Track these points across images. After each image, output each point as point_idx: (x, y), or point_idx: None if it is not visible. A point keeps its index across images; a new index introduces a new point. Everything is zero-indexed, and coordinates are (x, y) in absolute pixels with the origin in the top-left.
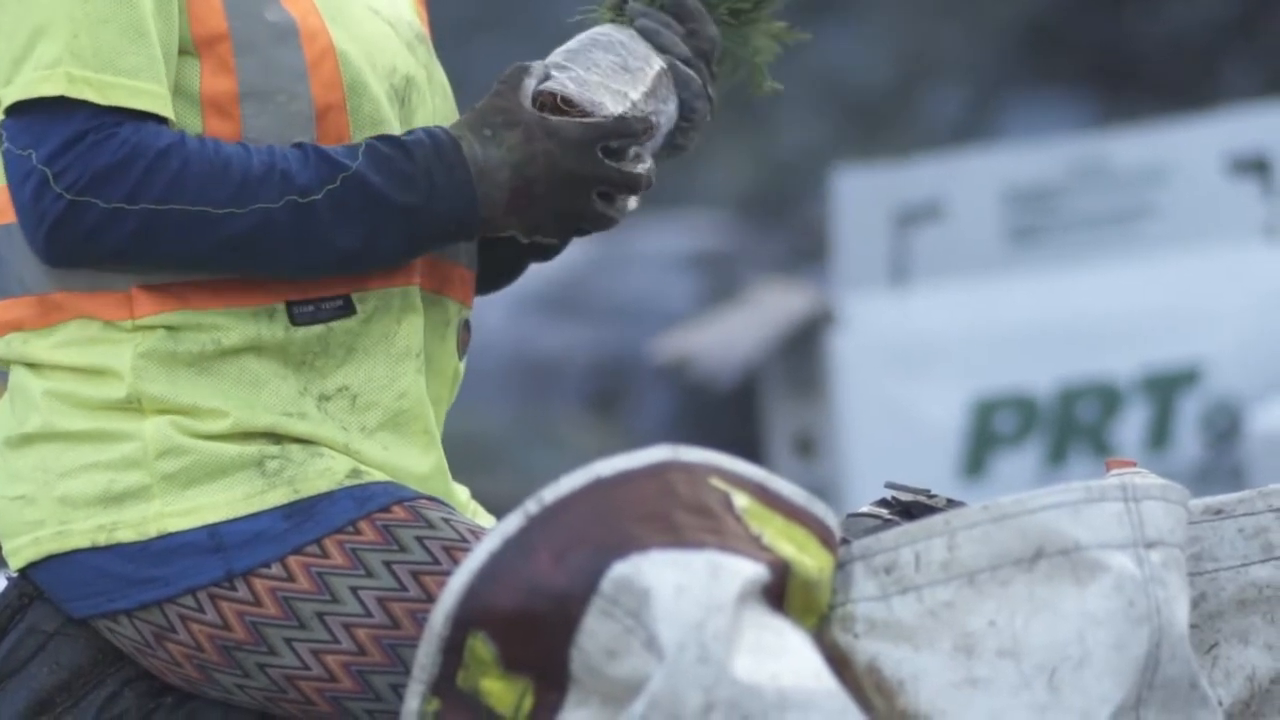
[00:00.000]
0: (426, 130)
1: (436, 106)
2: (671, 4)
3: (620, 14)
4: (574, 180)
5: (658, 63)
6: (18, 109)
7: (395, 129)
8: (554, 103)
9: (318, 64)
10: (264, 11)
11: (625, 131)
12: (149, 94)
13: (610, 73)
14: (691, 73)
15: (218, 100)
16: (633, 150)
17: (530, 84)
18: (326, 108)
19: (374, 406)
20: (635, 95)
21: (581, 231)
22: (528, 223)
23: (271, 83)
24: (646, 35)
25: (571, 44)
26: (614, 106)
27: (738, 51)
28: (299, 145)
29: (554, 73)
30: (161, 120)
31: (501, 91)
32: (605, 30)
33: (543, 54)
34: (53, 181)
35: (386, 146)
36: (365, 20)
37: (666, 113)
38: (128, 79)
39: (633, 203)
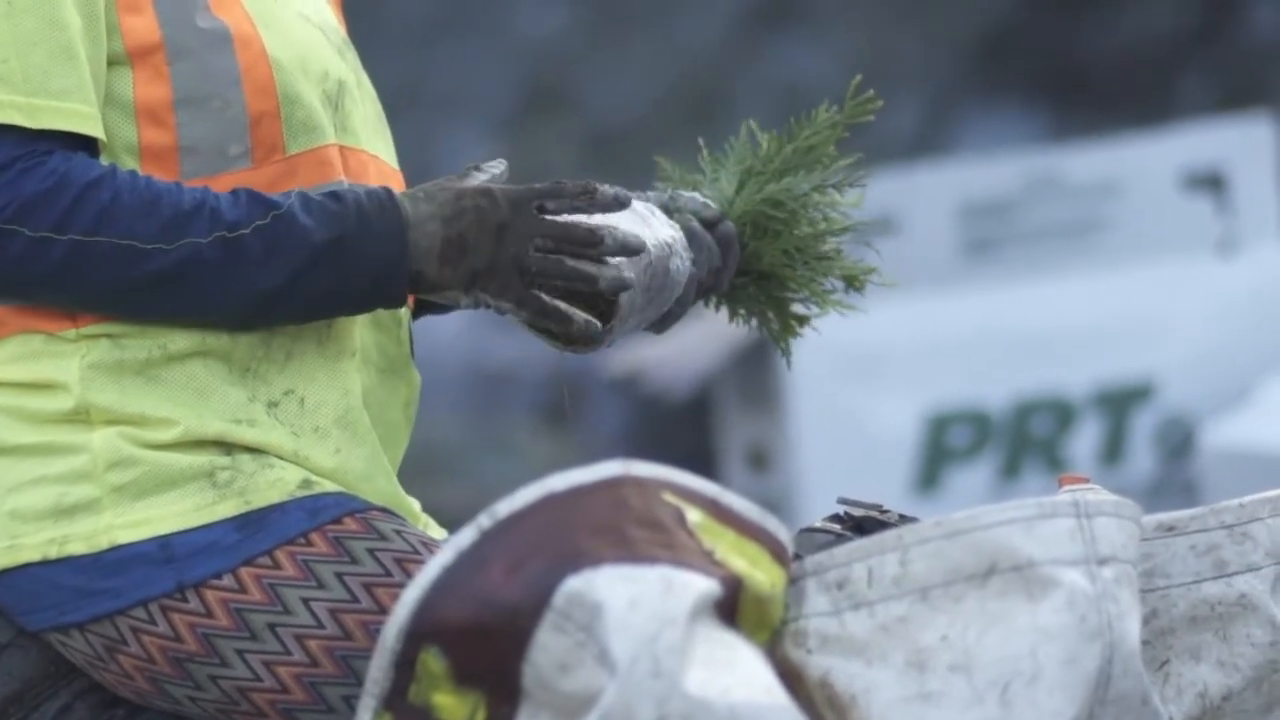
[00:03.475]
0: (357, 186)
1: (367, 111)
2: (722, 238)
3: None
4: (506, 231)
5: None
6: None
7: (330, 133)
8: None
9: (251, 70)
10: (196, 19)
11: (560, 193)
12: (79, 115)
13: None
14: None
15: (152, 108)
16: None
17: (479, 177)
18: (260, 114)
19: (323, 405)
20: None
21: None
22: (463, 275)
23: (205, 89)
24: (689, 237)
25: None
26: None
27: (764, 307)
28: (232, 190)
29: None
30: (92, 140)
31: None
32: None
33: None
34: None
35: (317, 194)
36: (296, 26)
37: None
38: (58, 100)
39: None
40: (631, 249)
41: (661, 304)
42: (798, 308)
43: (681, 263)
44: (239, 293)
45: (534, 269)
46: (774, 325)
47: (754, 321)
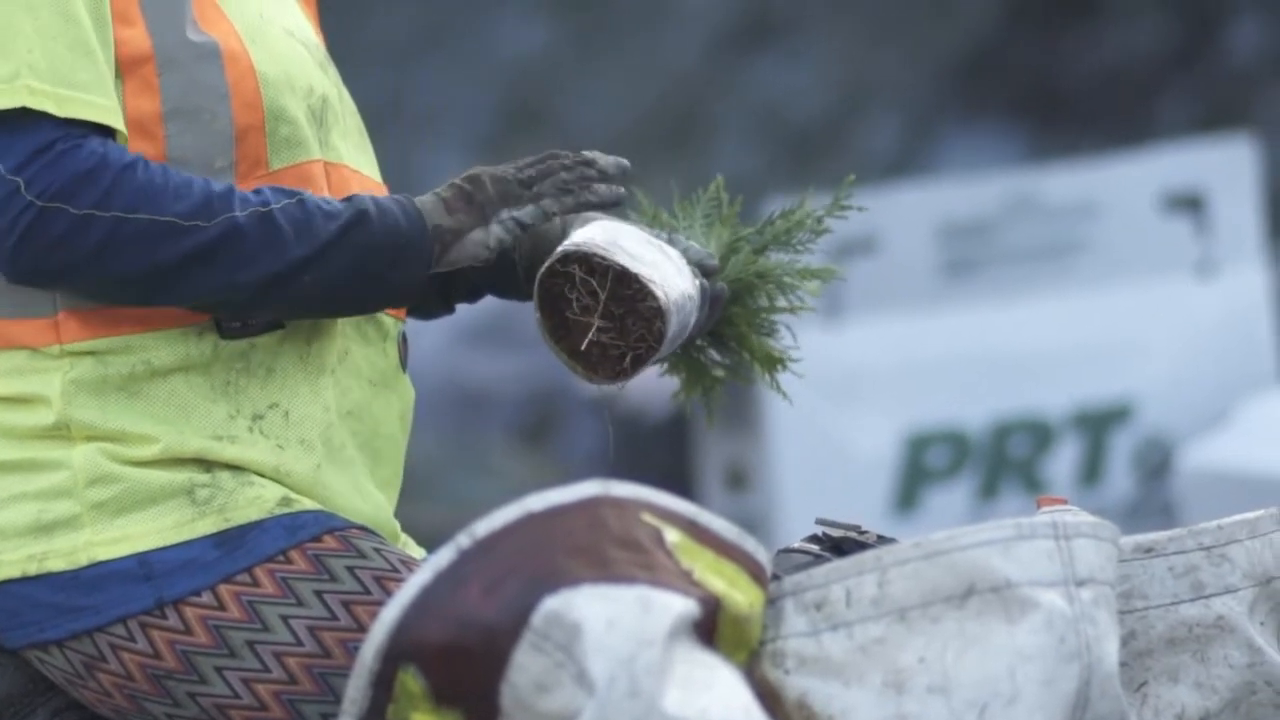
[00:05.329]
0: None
1: (348, 126)
2: (715, 296)
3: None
4: (499, 175)
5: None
6: None
7: (314, 148)
8: (587, 269)
9: (239, 84)
10: (186, 33)
11: (551, 168)
12: (104, 108)
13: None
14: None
15: (141, 120)
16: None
17: None
18: (246, 128)
19: (308, 419)
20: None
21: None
22: (475, 211)
23: (194, 102)
24: (701, 296)
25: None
26: (677, 279)
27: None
28: (255, 189)
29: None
30: (114, 134)
31: None
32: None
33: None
34: (23, 189)
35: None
36: (282, 42)
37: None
38: (83, 93)
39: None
40: (612, 174)
41: (669, 348)
42: (718, 371)
43: (693, 318)
44: (274, 262)
45: (533, 176)
46: (704, 382)
47: (678, 376)
